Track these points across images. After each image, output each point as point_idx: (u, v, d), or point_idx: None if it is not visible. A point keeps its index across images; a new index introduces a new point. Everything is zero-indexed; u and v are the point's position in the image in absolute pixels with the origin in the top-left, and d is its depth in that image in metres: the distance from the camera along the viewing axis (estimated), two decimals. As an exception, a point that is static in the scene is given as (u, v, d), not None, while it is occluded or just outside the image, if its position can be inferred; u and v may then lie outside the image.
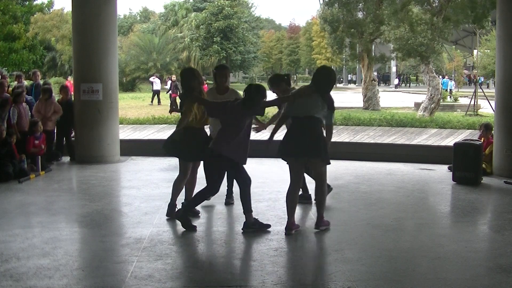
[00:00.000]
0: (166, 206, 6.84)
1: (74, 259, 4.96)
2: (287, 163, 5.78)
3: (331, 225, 5.94)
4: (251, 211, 5.75)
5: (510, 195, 7.88)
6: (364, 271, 4.69)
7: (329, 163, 5.70)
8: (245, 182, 5.72)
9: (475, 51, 35.81)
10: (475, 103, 20.23)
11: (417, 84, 58.05)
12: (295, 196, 5.77)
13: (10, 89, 10.70)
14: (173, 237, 5.58)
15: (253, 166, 8.55)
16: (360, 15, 23.25)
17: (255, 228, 5.70)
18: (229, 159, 5.60)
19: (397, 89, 49.64)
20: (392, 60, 36.69)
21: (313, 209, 6.76)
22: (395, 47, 18.51)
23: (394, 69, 57.54)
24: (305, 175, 6.69)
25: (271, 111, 9.54)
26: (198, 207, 6.27)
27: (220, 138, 5.66)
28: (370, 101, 23.62)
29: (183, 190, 6.36)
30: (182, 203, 6.56)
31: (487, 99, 18.84)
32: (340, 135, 11.56)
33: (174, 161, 10.18)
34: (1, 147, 8.54)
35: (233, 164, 5.66)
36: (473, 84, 27.50)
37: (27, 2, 37.23)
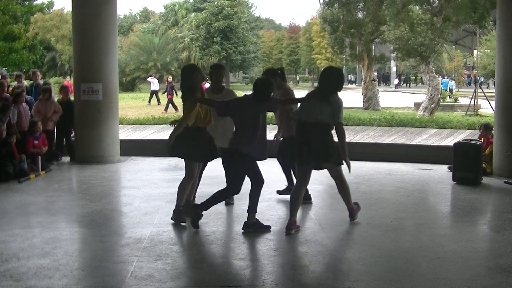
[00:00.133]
0: (166, 206, 6.85)
1: (74, 259, 4.96)
2: (296, 166, 5.92)
3: (330, 225, 5.94)
4: (255, 212, 5.75)
5: (510, 195, 7.88)
6: (364, 271, 4.69)
7: (342, 163, 5.83)
8: (259, 181, 5.68)
9: (475, 51, 35.83)
10: (475, 103, 20.23)
11: (416, 84, 58.03)
12: (300, 195, 5.80)
13: (10, 89, 10.70)
14: (173, 237, 5.58)
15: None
16: (360, 15, 23.24)
17: (255, 228, 5.70)
18: (248, 156, 5.58)
19: (397, 89, 49.63)
20: (392, 60, 36.71)
21: (313, 209, 6.77)
22: (395, 47, 18.50)
23: (394, 69, 57.53)
24: None
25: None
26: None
27: (240, 137, 5.60)
28: (370, 101, 23.62)
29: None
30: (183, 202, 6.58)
31: (487, 99, 18.83)
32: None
33: (174, 161, 10.23)
34: (1, 147, 8.54)
35: (252, 160, 5.63)
36: (473, 84, 27.50)
37: (27, 2, 37.23)
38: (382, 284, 4.40)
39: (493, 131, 9.45)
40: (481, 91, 20.54)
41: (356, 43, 23.61)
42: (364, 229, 5.98)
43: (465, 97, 26.01)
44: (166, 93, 23.19)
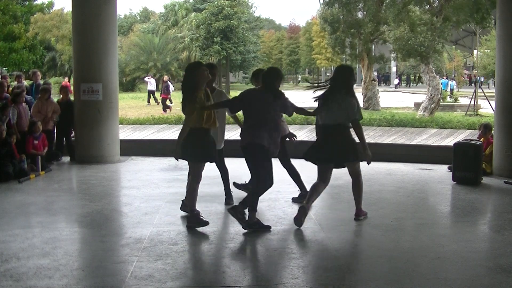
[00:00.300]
0: (166, 206, 6.86)
1: (74, 259, 4.96)
2: (316, 165, 6.13)
3: (330, 225, 5.94)
4: (256, 211, 5.75)
5: (510, 195, 7.88)
6: (364, 271, 4.69)
7: (361, 160, 6.02)
8: (266, 180, 5.69)
9: (475, 51, 35.85)
10: (475, 103, 20.22)
11: (416, 84, 58.02)
12: (319, 188, 6.04)
13: (10, 89, 10.70)
14: (173, 237, 5.58)
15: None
16: (360, 15, 23.23)
17: (255, 228, 5.71)
18: (267, 151, 5.63)
19: (397, 89, 49.62)
20: (392, 60, 36.69)
21: (313, 209, 6.77)
22: (394, 48, 18.49)
23: (394, 69, 57.52)
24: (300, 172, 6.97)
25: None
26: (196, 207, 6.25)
27: (258, 130, 5.61)
28: (370, 101, 23.62)
29: (180, 189, 6.35)
30: (182, 200, 6.59)
31: (487, 99, 18.83)
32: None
33: (174, 161, 10.18)
34: (1, 147, 8.55)
35: (268, 156, 5.67)
36: (473, 84, 27.50)
37: (27, 2, 37.19)
38: (382, 284, 4.40)
39: (493, 131, 9.45)
40: (481, 91, 20.54)
41: (356, 43, 23.61)
42: (364, 229, 5.98)
43: (465, 97, 26.00)
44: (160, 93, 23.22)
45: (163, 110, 21.72)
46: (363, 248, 5.32)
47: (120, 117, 12.20)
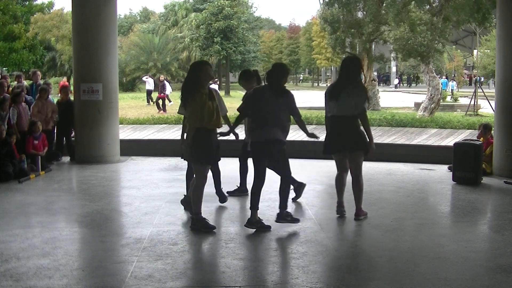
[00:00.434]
0: (166, 206, 6.85)
1: (74, 259, 4.96)
2: (333, 158, 6.34)
3: (330, 225, 5.94)
4: (257, 209, 5.77)
5: (510, 195, 7.88)
6: (364, 271, 4.69)
7: (367, 152, 6.12)
8: (288, 174, 5.89)
9: (475, 51, 35.84)
10: (475, 103, 20.22)
11: (416, 84, 58.05)
12: (343, 179, 6.24)
13: (10, 89, 10.70)
14: (173, 237, 5.57)
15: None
16: (360, 15, 23.23)
17: (257, 227, 5.72)
18: (283, 146, 5.76)
19: (397, 89, 49.63)
20: (392, 60, 36.69)
21: (313, 209, 6.77)
22: (394, 48, 18.49)
23: (394, 69, 57.53)
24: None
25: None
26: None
27: (272, 127, 5.70)
28: (370, 101, 23.59)
29: (181, 188, 6.36)
30: (181, 200, 6.59)
31: (487, 99, 18.83)
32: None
33: (174, 161, 10.23)
34: (1, 147, 8.55)
35: (284, 149, 5.80)
36: (473, 84, 27.51)
37: (27, 2, 37.21)
38: (382, 284, 4.40)
39: (492, 131, 9.45)
40: (481, 91, 20.54)
41: (356, 43, 23.60)
42: (364, 229, 5.98)
43: (465, 97, 26.01)
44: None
45: (162, 110, 21.67)
46: (363, 248, 5.32)
47: (120, 117, 12.20)
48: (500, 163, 9.11)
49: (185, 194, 6.67)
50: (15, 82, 12.04)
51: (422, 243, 5.48)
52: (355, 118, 6.01)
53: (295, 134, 10.18)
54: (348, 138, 6.04)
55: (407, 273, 4.62)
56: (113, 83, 10.45)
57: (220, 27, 42.77)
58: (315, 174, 9.00)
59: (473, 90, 21.13)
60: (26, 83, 13.08)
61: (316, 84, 64.04)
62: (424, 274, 4.59)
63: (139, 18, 73.63)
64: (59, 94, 11.17)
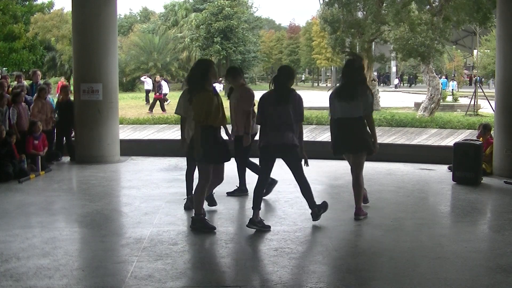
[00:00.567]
0: (166, 206, 6.84)
1: (74, 259, 4.96)
2: (345, 158, 6.49)
3: (330, 225, 5.94)
4: (259, 209, 5.79)
5: (510, 195, 7.88)
6: (364, 271, 4.68)
7: (372, 153, 6.25)
8: (304, 178, 5.94)
9: (475, 51, 35.85)
10: (475, 103, 20.22)
11: (416, 84, 58.03)
12: (360, 181, 6.26)
13: (10, 89, 10.70)
14: (173, 237, 5.58)
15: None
16: (360, 15, 23.22)
17: (258, 227, 5.73)
18: (296, 147, 5.81)
19: (397, 89, 49.63)
20: (392, 60, 36.69)
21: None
22: (395, 48, 18.48)
23: (394, 69, 57.51)
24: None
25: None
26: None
27: (287, 131, 5.75)
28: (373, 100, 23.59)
29: (181, 185, 6.35)
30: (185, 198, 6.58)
31: (487, 99, 18.83)
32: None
33: (174, 161, 10.23)
34: (1, 147, 8.55)
35: (296, 153, 5.85)
36: (473, 84, 27.51)
37: (27, 2, 37.20)
38: (382, 284, 4.40)
39: (492, 131, 9.45)
40: (481, 91, 20.53)
41: (356, 43, 23.59)
42: (364, 229, 5.98)
43: (465, 97, 26.00)
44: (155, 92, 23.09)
45: (161, 109, 21.64)
46: (363, 248, 5.32)
47: (120, 117, 12.20)
48: (500, 163, 9.11)
49: (187, 196, 6.69)
50: (15, 82, 12.04)
51: (422, 243, 5.48)
52: (362, 119, 6.12)
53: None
54: (354, 140, 6.15)
55: (407, 273, 4.62)
56: (113, 83, 10.45)
57: (220, 27, 42.77)
58: (315, 174, 8.99)
59: (473, 90, 21.13)
60: (26, 83, 13.09)
61: (316, 84, 64.02)
62: (424, 274, 4.59)
63: (139, 18, 73.63)
64: (57, 94, 11.16)
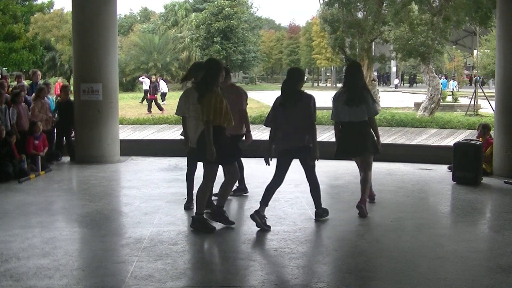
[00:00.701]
0: (166, 206, 6.85)
1: (74, 259, 4.96)
2: (353, 160, 6.81)
3: (330, 225, 5.94)
4: (266, 205, 5.87)
5: (510, 195, 7.88)
6: (364, 271, 4.68)
7: (378, 153, 6.56)
8: (315, 179, 6.18)
9: (475, 51, 35.84)
10: (475, 103, 20.22)
11: (416, 84, 58.03)
12: (369, 178, 6.51)
13: (10, 89, 10.70)
14: (173, 237, 5.58)
15: (253, 166, 8.57)
16: (360, 15, 23.20)
17: (259, 223, 5.75)
18: (309, 149, 5.94)
19: (397, 89, 49.63)
20: (392, 60, 36.66)
21: (313, 209, 6.76)
22: (395, 48, 18.48)
23: (394, 69, 57.49)
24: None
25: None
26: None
27: (303, 134, 5.88)
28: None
29: (181, 186, 6.34)
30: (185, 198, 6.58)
31: (487, 99, 18.83)
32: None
33: (174, 161, 10.23)
34: (1, 147, 8.55)
35: (310, 153, 5.97)
36: (473, 84, 27.50)
37: (27, 2, 37.21)
38: (382, 284, 4.40)
39: (492, 132, 9.44)
40: (481, 91, 20.54)
41: (356, 43, 23.58)
42: (364, 229, 5.98)
43: (465, 97, 26.00)
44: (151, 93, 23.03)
45: (159, 109, 21.55)
46: (363, 248, 5.31)
47: (120, 117, 12.20)
48: (500, 163, 9.11)
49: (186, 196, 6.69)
50: (15, 82, 12.05)
51: (422, 243, 5.48)
52: (366, 122, 6.37)
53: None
54: (359, 143, 6.42)
55: (407, 273, 4.62)
56: (113, 83, 10.45)
57: (220, 27, 42.82)
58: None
59: (473, 90, 21.13)
60: (26, 83, 13.09)
61: (316, 84, 64.04)
62: (424, 274, 4.60)
63: (139, 18, 73.67)
64: (55, 94, 11.15)
